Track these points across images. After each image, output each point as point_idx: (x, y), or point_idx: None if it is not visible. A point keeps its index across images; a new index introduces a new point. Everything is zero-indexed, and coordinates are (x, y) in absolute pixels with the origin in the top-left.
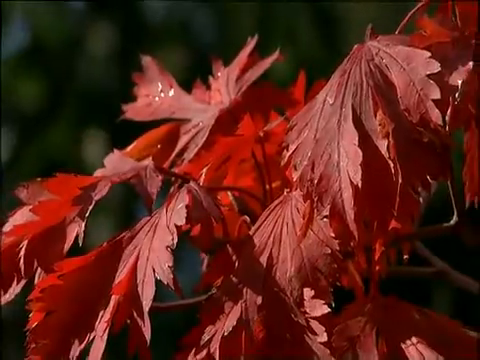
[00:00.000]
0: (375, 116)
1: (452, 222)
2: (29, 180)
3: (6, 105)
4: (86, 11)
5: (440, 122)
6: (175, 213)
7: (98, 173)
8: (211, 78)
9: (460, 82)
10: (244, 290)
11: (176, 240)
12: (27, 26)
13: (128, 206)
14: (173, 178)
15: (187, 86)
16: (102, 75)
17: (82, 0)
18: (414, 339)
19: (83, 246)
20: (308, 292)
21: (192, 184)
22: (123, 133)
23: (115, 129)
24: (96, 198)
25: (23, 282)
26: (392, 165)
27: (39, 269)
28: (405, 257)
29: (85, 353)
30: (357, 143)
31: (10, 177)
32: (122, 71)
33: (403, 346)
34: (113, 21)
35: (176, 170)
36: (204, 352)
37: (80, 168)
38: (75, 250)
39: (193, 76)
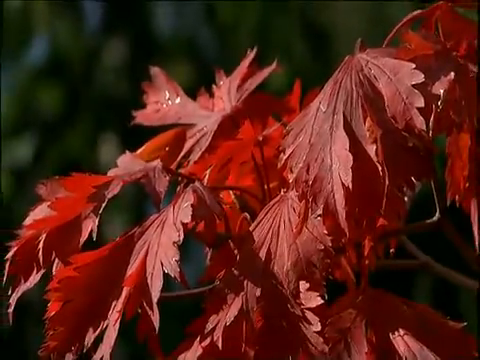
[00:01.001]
0: (364, 123)
1: (435, 219)
2: (49, 178)
3: (29, 111)
4: (102, 28)
5: (424, 128)
6: (181, 211)
7: (111, 173)
8: (214, 87)
9: (442, 91)
10: (244, 282)
11: (182, 236)
12: (49, 40)
13: (140, 204)
14: (179, 178)
15: (192, 94)
16: (116, 85)
17: (98, 6)
18: (401, 330)
19: (99, 240)
20: (303, 285)
21: (197, 184)
22: (134, 137)
23: (127, 133)
24: (109, 196)
25: (41, 272)
26: (380, 168)
27: (56, 260)
28: (392, 251)
29: (99, 340)
30: (348, 148)
31: (32, 176)
32: (133, 81)
33: (391, 337)
34: (126, 37)
35: (182, 171)
36: (208, 340)
37: (95, 168)
38: (91, 244)
39: (198, 86)
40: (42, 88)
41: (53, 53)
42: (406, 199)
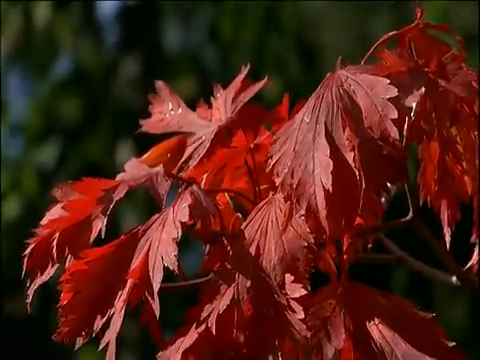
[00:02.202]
0: (344, 132)
1: (409, 217)
2: (66, 181)
3: (54, 120)
4: (118, 46)
5: (397, 137)
6: (179, 211)
7: (119, 177)
8: (212, 99)
9: (414, 104)
10: (236, 275)
11: (181, 233)
12: (72, 56)
13: (152, 202)
14: (180, 182)
15: (194, 104)
16: (130, 96)
17: (115, 27)
18: (376, 319)
19: (118, 234)
20: (288, 277)
21: (194, 187)
22: (147, 142)
23: (141, 139)
24: (116, 198)
25: (56, 267)
26: (357, 173)
27: (69, 256)
28: (369, 246)
29: (106, 326)
30: (328, 154)
31: (56, 177)
32: (146, 93)
33: (367, 325)
34: (139, 54)
35: (183, 175)
36: (203, 326)
37: (113, 170)
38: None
39: (202, 95)
40: (65, 98)
41: (75, 68)
42: (383, 200)
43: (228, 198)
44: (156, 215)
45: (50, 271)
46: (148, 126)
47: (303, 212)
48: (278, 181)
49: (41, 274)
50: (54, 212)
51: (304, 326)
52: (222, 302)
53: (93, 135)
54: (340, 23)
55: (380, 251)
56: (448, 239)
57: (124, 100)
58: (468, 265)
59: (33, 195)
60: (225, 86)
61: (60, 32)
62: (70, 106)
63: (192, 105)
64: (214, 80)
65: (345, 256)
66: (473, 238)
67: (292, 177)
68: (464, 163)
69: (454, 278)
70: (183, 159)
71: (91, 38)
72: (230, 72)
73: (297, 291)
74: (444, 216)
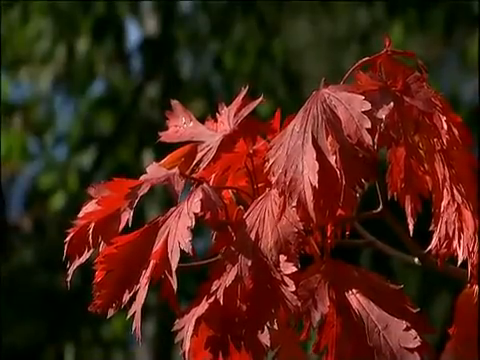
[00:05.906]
0: (327, 139)
1: (379, 209)
2: (100, 181)
3: (92, 131)
4: (142, 72)
5: (371, 143)
6: (193, 204)
7: (142, 177)
8: (218, 114)
9: (384, 116)
10: (239, 256)
11: (194, 222)
12: (105, 80)
13: (170, 198)
14: (192, 181)
15: (204, 118)
16: (152, 113)
17: (140, 57)
18: (354, 290)
19: (143, 222)
20: (282, 257)
21: (204, 185)
22: (166, 150)
23: (161, 148)
24: (140, 194)
25: (91, 251)
26: (338, 173)
27: (102, 242)
28: (347, 233)
29: (133, 299)
30: (315, 158)
31: (93, 178)
32: (165, 110)
33: (346, 295)
34: (159, 79)
35: (194, 176)
36: (213, 298)
37: (140, 171)
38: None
39: (209, 112)
40: (101, 114)
41: (108, 89)
42: (358, 195)
43: (232, 194)
44: (173, 208)
45: (86, 255)
46: (166, 137)
47: (294, 204)
48: (273, 179)
49: (79, 257)
50: (89, 206)
51: (295, 297)
52: (228, 278)
53: (123, 144)
54: (319, 56)
55: (355, 237)
56: (411, 227)
57: (148, 116)
58: (427, 248)
59: (75, 192)
60: (228, 104)
61: (96, 61)
62: (105, 120)
63: (202, 120)
64: (219, 100)
65: (329, 240)
66: (431, 227)
67: (285, 176)
68: (425, 165)
69: (416, 259)
70: (194, 163)
71: (121, 66)
72: (232, 94)
73: (289, 268)
74: (408, 209)
